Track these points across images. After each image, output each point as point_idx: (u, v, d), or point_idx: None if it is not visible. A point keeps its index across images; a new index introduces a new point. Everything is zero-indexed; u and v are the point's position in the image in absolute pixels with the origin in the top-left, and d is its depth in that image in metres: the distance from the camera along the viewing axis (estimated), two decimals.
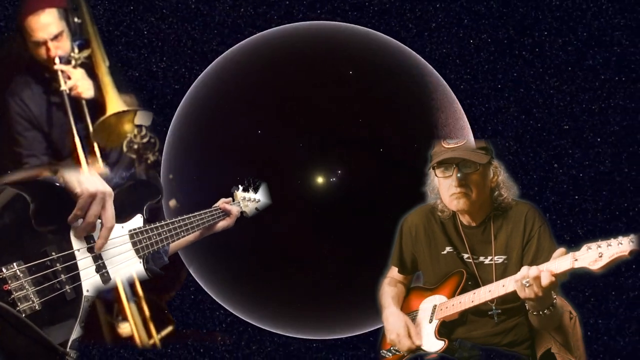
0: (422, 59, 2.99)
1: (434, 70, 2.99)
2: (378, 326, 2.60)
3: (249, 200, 2.48)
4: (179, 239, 1.93)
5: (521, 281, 1.84)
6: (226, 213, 2.26)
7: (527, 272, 1.84)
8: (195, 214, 2.07)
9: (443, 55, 3.12)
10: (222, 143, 2.77)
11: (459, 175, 2.08)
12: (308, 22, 3.06)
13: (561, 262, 1.82)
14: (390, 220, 2.46)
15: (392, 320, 2.25)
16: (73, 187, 1.49)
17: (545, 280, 1.80)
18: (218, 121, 2.79)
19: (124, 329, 2.98)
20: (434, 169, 2.15)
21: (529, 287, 1.83)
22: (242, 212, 2.41)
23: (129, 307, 2.88)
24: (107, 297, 2.87)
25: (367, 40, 2.98)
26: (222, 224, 2.25)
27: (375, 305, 2.44)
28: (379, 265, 2.50)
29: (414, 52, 3.01)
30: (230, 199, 2.37)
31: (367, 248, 2.74)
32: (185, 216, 1.97)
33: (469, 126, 3.01)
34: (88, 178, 1.53)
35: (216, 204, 2.27)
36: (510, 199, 2.17)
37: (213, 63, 3.01)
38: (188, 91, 3.01)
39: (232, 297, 3.08)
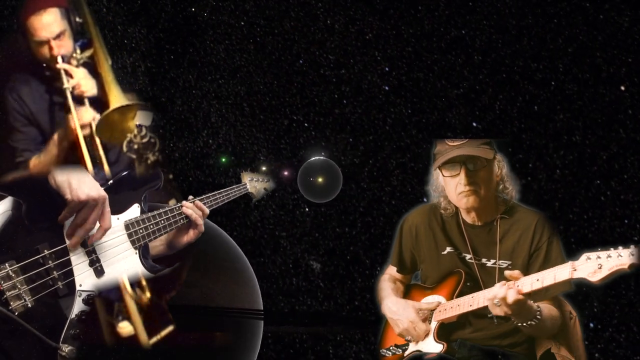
0: None
1: None
2: None
3: (257, 181, 2.49)
4: (177, 227, 1.87)
5: (492, 300, 1.88)
6: (189, 220, 1.93)
7: (497, 290, 1.87)
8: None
9: None
10: None
11: (467, 173, 2.06)
12: None
13: (560, 271, 1.79)
14: None
15: (398, 308, 2.22)
16: (64, 192, 1.49)
17: (511, 299, 1.82)
18: None
19: (124, 328, 2.98)
20: (439, 168, 2.14)
21: (499, 307, 1.86)
22: (249, 194, 2.46)
23: (131, 306, 2.88)
24: (110, 296, 2.87)
25: None
26: (185, 239, 1.97)
27: None
28: None
29: None
30: (189, 200, 2.03)
31: None
32: (179, 204, 1.91)
33: None
34: (81, 182, 1.50)
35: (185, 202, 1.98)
36: (514, 192, 2.16)
37: None
38: None
39: None
